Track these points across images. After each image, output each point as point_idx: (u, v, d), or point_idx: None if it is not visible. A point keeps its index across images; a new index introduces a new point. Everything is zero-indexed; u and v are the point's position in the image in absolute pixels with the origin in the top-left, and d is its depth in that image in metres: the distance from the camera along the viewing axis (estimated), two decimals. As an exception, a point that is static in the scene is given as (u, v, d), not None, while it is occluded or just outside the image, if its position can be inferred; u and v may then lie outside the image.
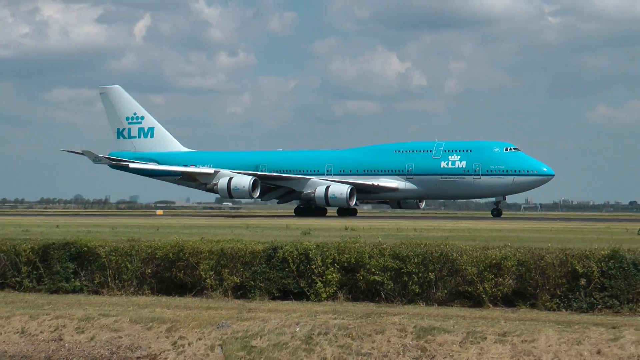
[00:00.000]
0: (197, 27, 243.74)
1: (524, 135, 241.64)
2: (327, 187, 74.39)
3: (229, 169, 77.55)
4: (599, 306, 20.04)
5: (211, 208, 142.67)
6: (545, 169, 73.94)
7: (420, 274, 21.44)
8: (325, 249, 22.37)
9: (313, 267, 22.22)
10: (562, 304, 20.45)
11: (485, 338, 17.76)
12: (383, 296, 21.81)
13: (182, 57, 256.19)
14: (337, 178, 76.85)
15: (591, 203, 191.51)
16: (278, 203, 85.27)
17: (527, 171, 73.10)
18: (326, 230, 40.33)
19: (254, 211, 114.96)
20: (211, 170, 77.13)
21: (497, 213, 75.45)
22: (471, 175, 73.72)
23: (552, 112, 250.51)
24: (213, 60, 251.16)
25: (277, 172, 79.05)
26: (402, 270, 21.61)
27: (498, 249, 21.66)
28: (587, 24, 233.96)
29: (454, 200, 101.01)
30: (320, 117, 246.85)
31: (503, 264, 20.87)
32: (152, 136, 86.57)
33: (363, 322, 19.06)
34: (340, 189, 74.29)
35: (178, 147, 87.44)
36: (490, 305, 20.67)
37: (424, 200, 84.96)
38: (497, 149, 74.45)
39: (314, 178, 76.63)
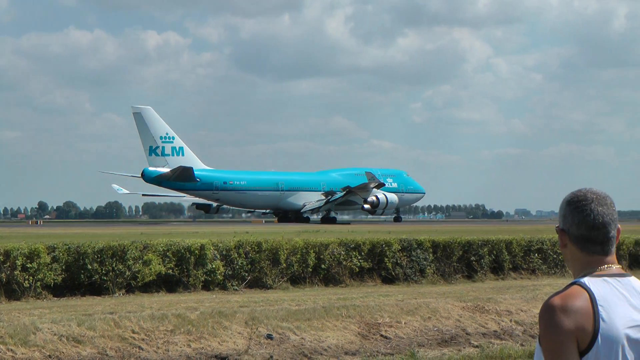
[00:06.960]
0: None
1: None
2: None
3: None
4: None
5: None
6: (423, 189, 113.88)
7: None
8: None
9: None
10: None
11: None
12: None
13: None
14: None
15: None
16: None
17: (420, 190, 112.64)
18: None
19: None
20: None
21: (400, 219, 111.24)
22: (401, 192, 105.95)
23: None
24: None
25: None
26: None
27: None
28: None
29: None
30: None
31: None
32: (183, 155, 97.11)
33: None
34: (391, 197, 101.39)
35: (202, 165, 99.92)
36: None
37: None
38: (405, 175, 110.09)
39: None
